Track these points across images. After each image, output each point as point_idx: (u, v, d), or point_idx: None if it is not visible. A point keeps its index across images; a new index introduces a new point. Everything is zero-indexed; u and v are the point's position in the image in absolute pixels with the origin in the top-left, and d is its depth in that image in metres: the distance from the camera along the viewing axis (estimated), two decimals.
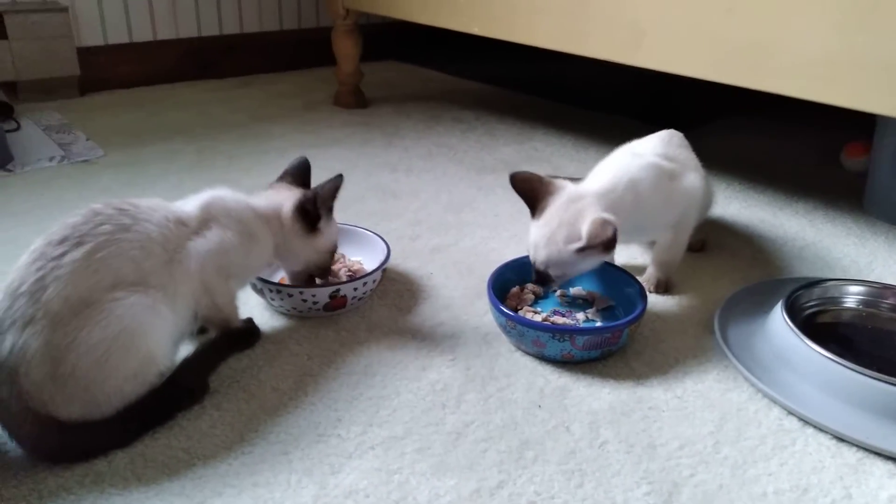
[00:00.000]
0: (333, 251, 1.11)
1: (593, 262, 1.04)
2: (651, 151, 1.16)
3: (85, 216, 0.84)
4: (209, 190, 1.00)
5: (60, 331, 0.78)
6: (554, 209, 1.04)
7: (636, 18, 1.43)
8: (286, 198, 1.05)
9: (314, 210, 1.04)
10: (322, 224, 1.06)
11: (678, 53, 1.38)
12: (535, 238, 1.05)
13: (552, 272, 1.04)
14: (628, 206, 1.06)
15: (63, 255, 0.80)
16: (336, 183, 1.06)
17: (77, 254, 0.80)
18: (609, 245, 0.99)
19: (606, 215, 1.00)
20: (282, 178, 1.11)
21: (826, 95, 1.19)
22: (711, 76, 1.34)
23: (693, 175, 1.17)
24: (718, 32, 1.30)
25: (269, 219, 1.02)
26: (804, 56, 1.20)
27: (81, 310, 0.79)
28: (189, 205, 0.96)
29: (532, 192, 1.06)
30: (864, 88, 1.14)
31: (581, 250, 1.00)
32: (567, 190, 1.06)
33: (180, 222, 0.92)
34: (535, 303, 1.15)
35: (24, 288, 0.79)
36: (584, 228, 1.00)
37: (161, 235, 0.88)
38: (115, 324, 0.80)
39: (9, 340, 0.77)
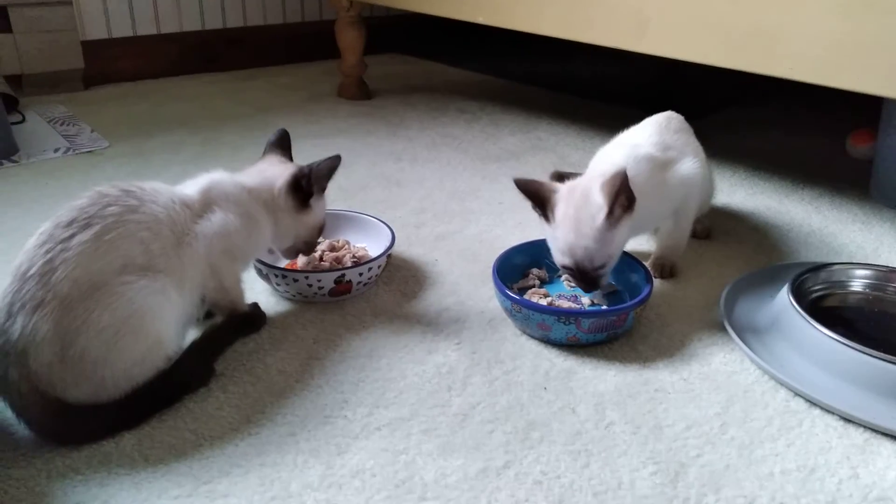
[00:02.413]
0: (321, 228, 1.10)
1: (624, 231, 1.02)
2: (647, 141, 1.15)
3: (91, 198, 0.85)
4: (206, 174, 1.00)
5: (70, 314, 0.78)
6: (564, 204, 1.02)
7: (641, 5, 1.42)
8: (279, 173, 1.04)
9: (308, 186, 1.03)
10: (313, 201, 1.05)
11: (683, 40, 1.38)
12: (563, 239, 1.01)
13: (597, 262, 1.01)
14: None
15: (71, 237, 0.80)
16: (333, 163, 1.05)
17: (85, 236, 0.81)
18: (628, 194, 0.98)
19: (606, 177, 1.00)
20: (271, 152, 1.09)
21: (833, 79, 1.18)
22: (717, 62, 1.34)
23: (690, 161, 1.16)
24: (724, 18, 1.30)
25: (263, 196, 1.01)
26: (811, 40, 1.19)
27: (91, 292, 0.79)
28: (189, 189, 0.96)
29: (538, 194, 1.04)
30: (872, 72, 1.14)
31: (609, 215, 0.98)
32: (564, 185, 1.05)
33: (185, 204, 0.92)
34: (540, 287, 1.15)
35: (33, 270, 0.79)
36: (599, 196, 0.99)
37: (168, 217, 0.88)
38: (124, 307, 0.80)
39: (19, 323, 0.77)
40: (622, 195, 0.98)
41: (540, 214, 1.05)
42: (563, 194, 1.04)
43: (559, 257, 1.04)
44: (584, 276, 1.03)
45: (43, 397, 0.78)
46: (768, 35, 1.24)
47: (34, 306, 0.77)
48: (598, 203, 1.00)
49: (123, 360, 0.81)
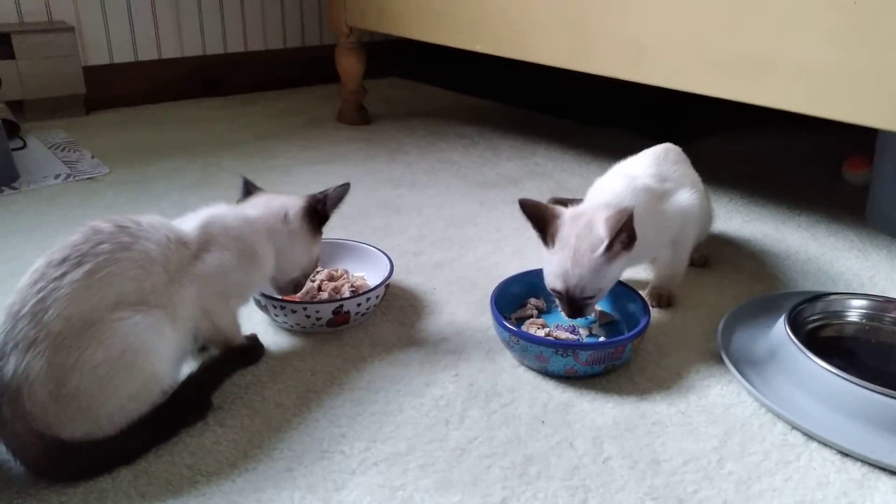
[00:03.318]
0: (318, 260, 1.13)
1: (620, 266, 1.03)
2: (644, 172, 1.16)
3: (85, 235, 0.84)
4: (207, 208, 1.00)
5: (63, 351, 0.78)
6: (566, 230, 1.03)
7: (637, 34, 1.44)
8: (289, 202, 1.06)
9: (324, 211, 1.06)
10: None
11: (679, 69, 1.39)
12: (559, 264, 1.02)
13: (588, 292, 1.02)
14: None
15: (63, 275, 0.80)
16: (344, 190, 1.08)
17: (76, 274, 0.80)
18: (630, 233, 1.00)
19: (612, 211, 1.01)
20: (256, 192, 1.10)
21: (826, 110, 1.19)
22: (712, 91, 1.35)
23: (687, 192, 1.16)
24: (719, 48, 1.31)
25: (271, 225, 1.02)
26: (805, 71, 1.20)
27: (84, 330, 0.79)
28: (188, 224, 0.96)
29: (541, 218, 1.05)
30: (865, 103, 1.15)
31: (608, 249, 0.99)
32: (569, 211, 1.06)
33: (181, 243, 0.91)
34: (538, 317, 1.15)
35: (25, 309, 0.79)
36: (602, 229, 1.00)
37: (162, 255, 0.88)
38: (118, 343, 0.80)
39: (12, 362, 0.77)
40: (624, 233, 1.00)
41: (539, 237, 1.06)
42: (567, 220, 1.04)
43: (551, 280, 1.05)
44: (572, 303, 1.04)
45: (38, 436, 0.78)
46: (763, 65, 1.26)
47: (27, 345, 0.77)
48: (600, 236, 1.00)
49: (118, 397, 0.81)
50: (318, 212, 1.06)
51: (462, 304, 1.21)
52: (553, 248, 1.04)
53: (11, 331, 0.78)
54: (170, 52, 2.53)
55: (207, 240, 0.94)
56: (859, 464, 0.86)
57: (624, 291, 1.14)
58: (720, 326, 1.09)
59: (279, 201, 1.06)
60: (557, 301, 1.08)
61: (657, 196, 1.13)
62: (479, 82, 2.85)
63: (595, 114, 2.43)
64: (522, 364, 1.04)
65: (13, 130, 1.97)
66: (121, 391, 0.81)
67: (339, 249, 1.28)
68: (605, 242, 0.99)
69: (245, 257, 0.97)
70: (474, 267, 1.35)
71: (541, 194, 1.68)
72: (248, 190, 1.10)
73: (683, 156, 1.27)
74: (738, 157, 2.03)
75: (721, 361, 1.04)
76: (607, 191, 1.11)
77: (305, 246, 1.07)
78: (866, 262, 1.39)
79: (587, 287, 1.02)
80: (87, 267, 0.81)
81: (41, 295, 0.79)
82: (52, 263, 0.81)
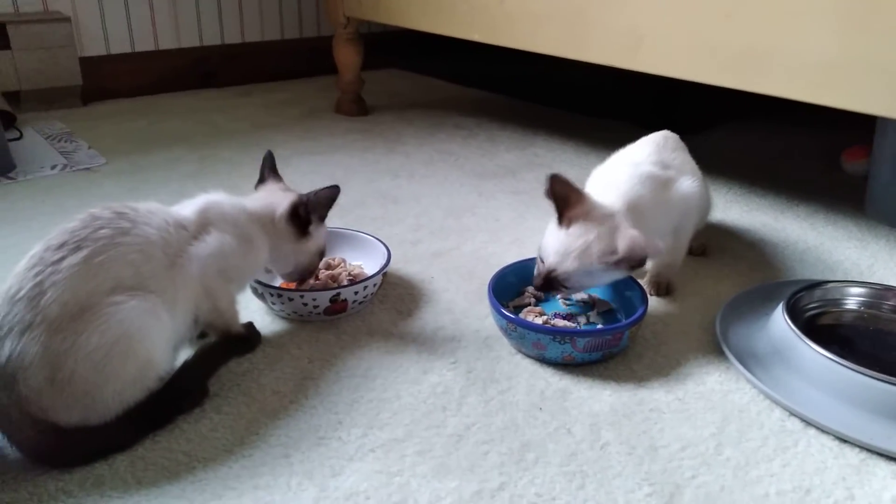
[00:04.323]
0: (321, 255, 1.12)
1: (612, 276, 1.03)
2: (646, 160, 1.16)
3: (83, 221, 0.84)
4: (204, 195, 1.00)
5: (59, 336, 0.77)
6: (588, 221, 1.01)
7: (635, 24, 1.43)
8: (280, 200, 1.05)
9: (306, 214, 1.04)
10: (312, 228, 1.06)
11: (677, 58, 1.39)
12: (565, 244, 1.00)
13: (569, 283, 1.02)
14: (631, 221, 1.04)
15: (61, 259, 0.80)
16: (332, 193, 1.06)
17: (75, 259, 0.80)
18: (641, 263, 0.99)
19: (640, 234, 0.99)
20: (270, 178, 1.10)
21: (825, 98, 1.19)
22: (710, 80, 1.35)
23: (689, 179, 1.16)
24: (717, 37, 1.31)
25: (263, 221, 1.02)
26: (803, 59, 1.20)
27: (80, 314, 0.78)
28: (186, 209, 0.96)
29: (566, 199, 1.03)
30: (864, 90, 1.14)
31: (615, 263, 0.98)
32: (598, 205, 1.03)
33: (180, 226, 0.92)
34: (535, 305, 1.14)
35: (22, 293, 0.78)
36: (622, 243, 0.98)
37: (161, 239, 0.88)
38: (113, 329, 0.80)
39: (7, 346, 0.77)
40: (637, 260, 0.98)
41: (556, 214, 1.03)
42: (596, 216, 1.01)
43: (546, 253, 1.03)
44: (546, 281, 1.03)
45: (34, 421, 0.77)
46: (761, 53, 1.25)
47: (22, 329, 0.77)
48: (616, 248, 0.98)
49: (114, 382, 0.80)
50: (299, 215, 1.04)
51: (460, 293, 1.21)
52: (568, 229, 1.01)
53: (7, 314, 0.78)
54: (167, 43, 2.52)
55: (206, 222, 0.94)
56: (857, 449, 0.86)
57: (623, 279, 1.13)
58: (719, 314, 1.09)
59: (273, 199, 1.05)
60: (536, 268, 1.06)
61: (661, 184, 1.13)
62: (477, 73, 2.84)
63: (595, 105, 2.42)
64: (520, 351, 1.04)
65: (9, 121, 1.96)
66: (116, 377, 0.80)
67: (336, 238, 1.27)
68: (617, 257, 0.98)
69: (242, 242, 0.97)
70: (472, 256, 1.35)
71: (540, 185, 1.67)
72: (265, 174, 1.11)
73: (681, 143, 1.27)
74: (739, 148, 2.03)
75: (719, 349, 1.04)
76: (615, 180, 1.10)
77: (292, 246, 1.05)
78: (865, 251, 1.39)
79: (572, 278, 1.01)
80: (86, 252, 0.81)
81: (39, 279, 0.78)
82: (50, 248, 0.81)
